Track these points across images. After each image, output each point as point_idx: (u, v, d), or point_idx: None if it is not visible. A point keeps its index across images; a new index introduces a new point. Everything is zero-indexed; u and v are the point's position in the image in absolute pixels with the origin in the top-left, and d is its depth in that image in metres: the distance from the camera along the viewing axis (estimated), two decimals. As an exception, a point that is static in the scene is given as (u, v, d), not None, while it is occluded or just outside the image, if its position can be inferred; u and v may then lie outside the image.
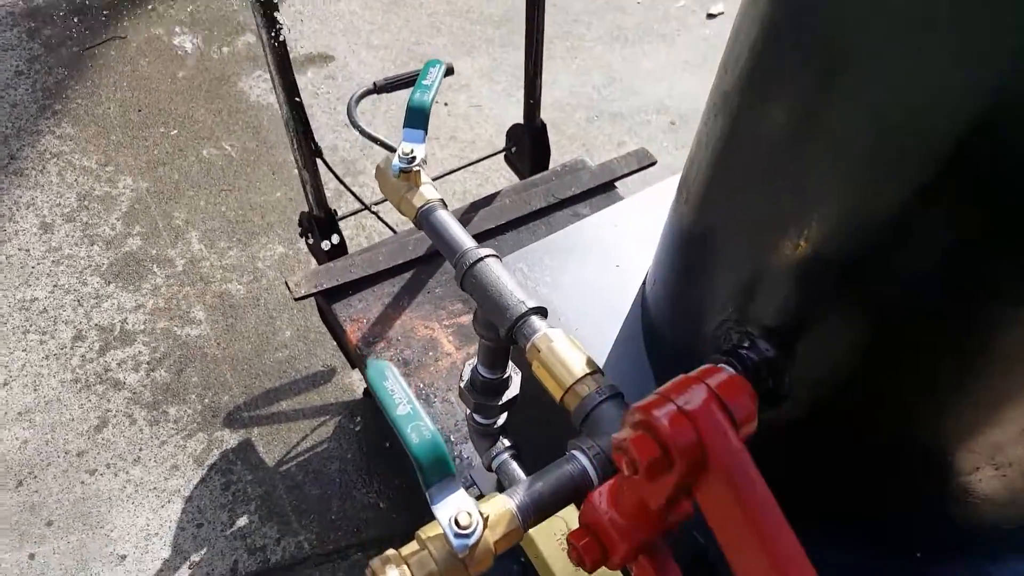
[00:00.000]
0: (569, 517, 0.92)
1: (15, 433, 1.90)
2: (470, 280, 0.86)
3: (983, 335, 0.65)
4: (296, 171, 2.50)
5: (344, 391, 2.03)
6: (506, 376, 0.99)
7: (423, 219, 0.93)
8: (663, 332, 1.04)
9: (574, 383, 0.76)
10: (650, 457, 0.53)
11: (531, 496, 0.70)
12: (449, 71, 2.08)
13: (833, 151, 0.66)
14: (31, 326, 2.10)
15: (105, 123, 2.63)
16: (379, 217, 1.92)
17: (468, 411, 1.06)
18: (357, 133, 2.41)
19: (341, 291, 1.72)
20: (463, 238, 0.90)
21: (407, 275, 1.77)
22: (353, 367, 1.88)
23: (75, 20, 2.97)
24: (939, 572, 0.88)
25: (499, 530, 0.67)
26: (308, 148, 1.70)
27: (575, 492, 0.71)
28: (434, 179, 1.92)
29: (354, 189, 1.84)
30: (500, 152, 2.10)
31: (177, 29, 2.96)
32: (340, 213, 1.81)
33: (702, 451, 0.54)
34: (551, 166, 2.01)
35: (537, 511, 0.70)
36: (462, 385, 1.01)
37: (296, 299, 1.67)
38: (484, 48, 2.95)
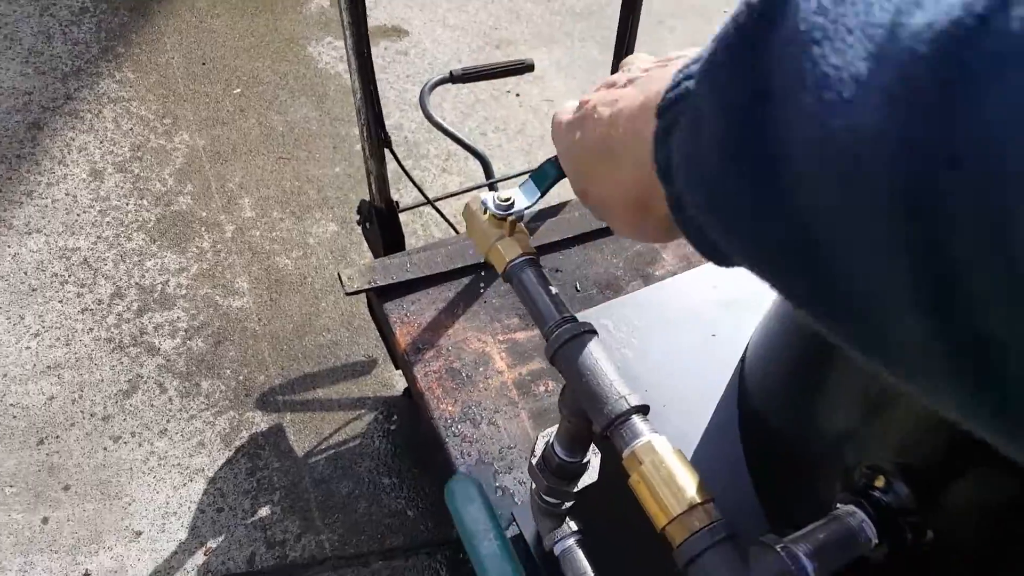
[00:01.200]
0: None
1: (42, 387, 1.80)
2: (562, 359, 0.70)
3: None
4: (358, 146, 2.37)
5: (383, 386, 1.90)
6: (585, 460, 0.84)
7: (512, 275, 0.77)
8: (765, 429, 0.89)
9: (681, 514, 0.61)
10: None
11: (812, 549, 0.56)
12: (529, 67, 1.90)
13: None
14: (70, 277, 1.99)
15: (167, 73, 2.50)
16: (441, 213, 1.77)
17: (533, 487, 0.91)
18: (420, 115, 2.19)
19: (395, 290, 1.58)
20: (557, 306, 0.73)
21: (464, 280, 1.62)
22: (397, 367, 1.75)
23: (149, -38, 2.83)
24: None
25: None
26: (378, 137, 1.55)
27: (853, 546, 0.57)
28: (500, 180, 1.77)
29: (415, 173, 1.70)
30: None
31: (251, -17, 2.81)
32: (401, 204, 1.67)
33: None
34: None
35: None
36: (533, 462, 0.86)
37: (347, 294, 1.53)
38: (563, 40, 2.77)
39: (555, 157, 0.83)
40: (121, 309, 1.95)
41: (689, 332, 1.04)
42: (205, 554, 1.62)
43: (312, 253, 2.11)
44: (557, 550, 0.84)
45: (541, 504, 0.89)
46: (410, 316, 1.56)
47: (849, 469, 0.69)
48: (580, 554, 0.83)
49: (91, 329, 1.91)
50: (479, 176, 1.71)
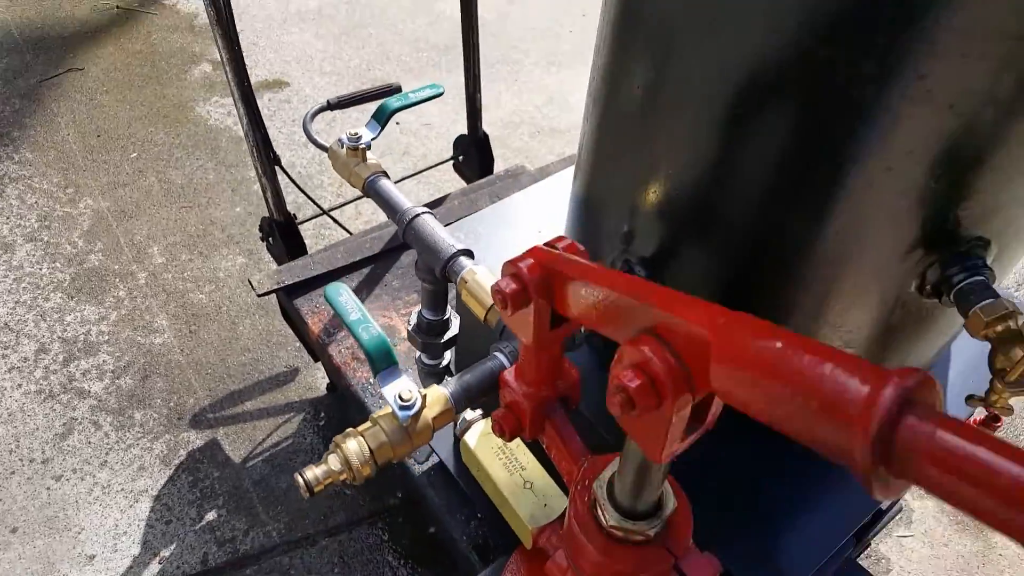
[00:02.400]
0: None
1: (-21, 444, 1.85)
2: (411, 232, 0.93)
3: (803, 250, 0.74)
4: (255, 187, 2.52)
5: (308, 389, 2.03)
6: (446, 318, 1.06)
7: (370, 187, 1.00)
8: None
9: (493, 305, 0.84)
10: (513, 291, 0.63)
11: (461, 385, 0.78)
12: (397, 89, 2.14)
13: (670, 119, 0.77)
14: (-7, 341, 2.05)
15: (64, 148, 2.60)
16: (335, 220, 1.95)
17: (417, 354, 1.12)
18: (313, 150, 2.41)
19: (302, 287, 1.73)
20: (403, 200, 0.97)
21: (364, 271, 1.80)
22: (315, 360, 1.89)
23: (32, 53, 2.95)
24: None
25: (436, 409, 0.76)
26: (267, 156, 1.72)
27: (494, 380, 0.78)
28: (398, 181, 1.97)
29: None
30: (448, 161, 2.16)
31: (133, 61, 2.96)
32: (299, 219, 1.84)
33: (548, 282, 0.63)
34: (495, 172, 2.07)
35: (466, 396, 0.78)
36: (409, 328, 1.07)
37: (259, 295, 1.68)
38: (431, 72, 3.02)
39: (389, 97, 1.09)
40: (47, 362, 2.02)
41: (522, 232, 1.28)
42: (160, 563, 1.70)
43: (224, 285, 2.24)
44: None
45: (424, 366, 1.09)
46: (319, 307, 1.72)
47: (612, 266, 0.92)
48: None
49: (20, 385, 1.97)
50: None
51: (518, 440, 0.98)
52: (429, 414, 0.77)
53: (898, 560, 1.87)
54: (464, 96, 1.95)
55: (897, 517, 1.95)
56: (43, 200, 2.42)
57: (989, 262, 0.72)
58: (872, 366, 0.37)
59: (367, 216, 2.46)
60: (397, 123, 2.79)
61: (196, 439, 1.91)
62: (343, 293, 0.80)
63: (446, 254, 0.91)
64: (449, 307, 1.07)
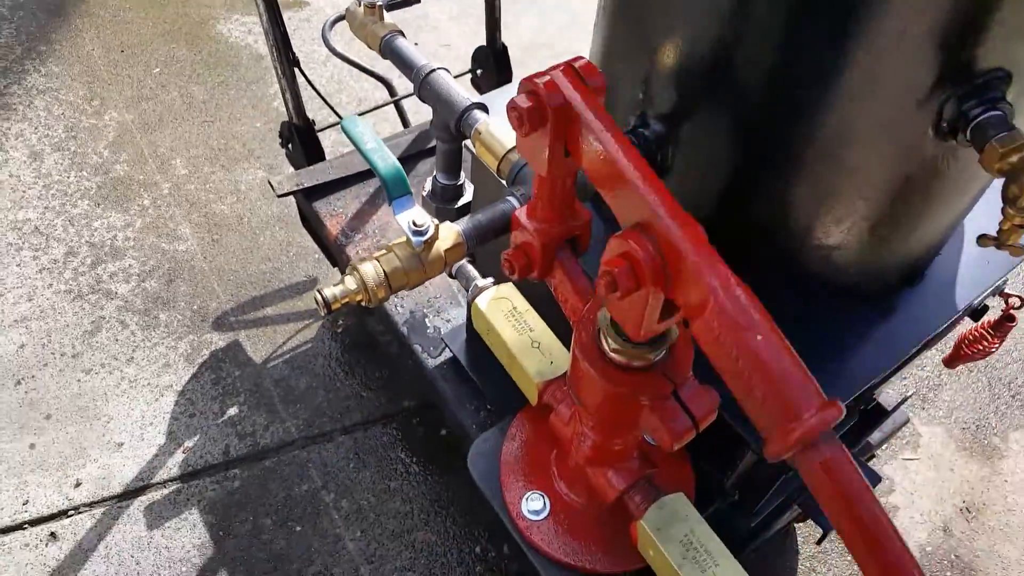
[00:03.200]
0: (513, 296, 1.01)
1: (11, 338, 1.93)
2: (426, 88, 0.95)
3: (819, 91, 0.74)
4: (276, 103, 2.53)
5: (325, 299, 2.08)
6: (460, 183, 1.08)
7: (386, 47, 1.01)
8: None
9: (506, 152, 0.85)
10: (529, 108, 0.63)
11: (473, 223, 0.80)
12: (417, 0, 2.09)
13: None
14: (24, 244, 2.11)
15: (89, 62, 2.63)
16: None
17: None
18: (333, 67, 2.41)
19: (320, 190, 1.76)
20: (419, 57, 0.99)
21: (382, 178, 1.82)
22: (334, 265, 1.93)
23: (56, -32, 2.95)
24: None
25: (448, 242, 0.80)
26: (287, 58, 1.73)
27: (506, 221, 0.80)
28: (404, 97, 1.97)
29: (331, 117, 1.88)
30: (466, 73, 2.15)
31: (157, -23, 2.95)
32: (318, 124, 1.85)
33: (564, 99, 0.63)
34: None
35: (478, 235, 0.81)
36: (424, 194, 1.09)
37: (278, 195, 1.71)
38: (453, -6, 2.99)
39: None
40: (76, 264, 2.09)
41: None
42: (184, 452, 1.78)
43: (245, 197, 2.28)
44: (454, 270, 1.06)
45: None
46: (337, 210, 1.75)
47: (627, 119, 0.92)
48: (470, 267, 1.06)
49: (50, 285, 2.04)
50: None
51: (527, 305, 1.01)
52: (442, 246, 0.80)
53: (901, 481, 1.90)
54: (484, 12, 1.93)
55: (904, 441, 1.98)
56: (69, 112, 2.46)
57: (1009, 98, 0.70)
58: (817, 391, 0.50)
59: (385, 132, 2.46)
60: (416, 43, 2.77)
61: (218, 340, 1.97)
62: (359, 124, 0.83)
63: (460, 107, 0.93)
64: (463, 174, 1.09)
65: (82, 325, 1.96)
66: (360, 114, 2.04)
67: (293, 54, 1.71)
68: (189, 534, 1.65)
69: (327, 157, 1.86)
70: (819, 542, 1.57)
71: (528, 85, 0.63)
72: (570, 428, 0.88)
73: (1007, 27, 0.66)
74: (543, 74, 0.64)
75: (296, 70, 1.73)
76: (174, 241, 2.16)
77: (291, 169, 1.96)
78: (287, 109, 1.77)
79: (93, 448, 1.76)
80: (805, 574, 1.71)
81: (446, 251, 0.80)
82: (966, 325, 1.23)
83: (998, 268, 1.00)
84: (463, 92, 0.98)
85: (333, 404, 1.88)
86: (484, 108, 0.95)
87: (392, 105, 2.02)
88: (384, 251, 0.80)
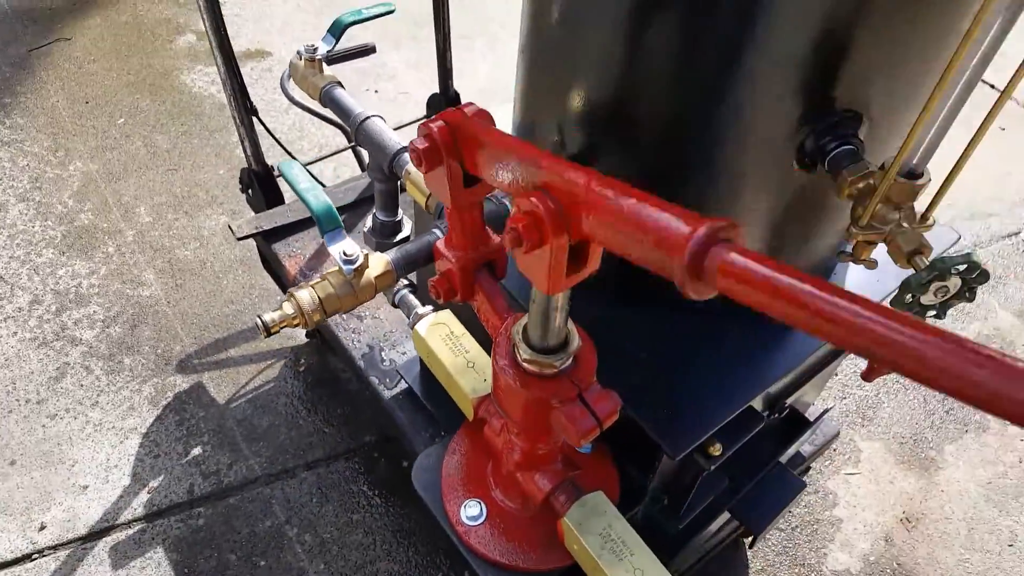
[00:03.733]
0: (450, 322, 1.09)
1: (-24, 386, 1.95)
2: (362, 133, 1.05)
3: (700, 136, 0.85)
4: (238, 150, 2.61)
5: (289, 338, 2.14)
6: (399, 219, 1.17)
7: (325, 96, 1.11)
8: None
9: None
10: (426, 148, 0.73)
11: (402, 253, 0.89)
12: (372, 50, 2.20)
13: (582, 38, 0.88)
14: (-12, 293, 2.15)
15: (54, 114, 2.69)
16: (311, 174, 2.04)
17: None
18: (293, 116, 2.50)
19: (279, 233, 1.84)
20: (355, 106, 1.09)
21: (342, 217, 1.90)
22: (294, 306, 1.99)
23: (21, 23, 3.02)
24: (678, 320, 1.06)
25: (378, 270, 0.88)
26: (244, 106, 1.81)
27: (431, 251, 0.90)
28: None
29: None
30: (423, 119, 2.25)
31: (120, 31, 3.03)
32: (277, 172, 1.93)
33: (453, 137, 0.72)
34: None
35: (406, 263, 0.89)
36: (366, 230, 1.18)
37: (238, 239, 1.78)
38: (409, 43, 3.11)
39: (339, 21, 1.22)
40: (41, 312, 2.12)
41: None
42: (148, 492, 1.81)
43: (208, 242, 2.34)
44: (396, 300, 1.14)
45: None
46: (295, 251, 1.82)
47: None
48: (412, 297, 1.14)
49: (15, 333, 2.07)
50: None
51: (463, 329, 1.09)
52: (372, 273, 0.89)
53: (844, 495, 1.99)
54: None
55: (846, 456, 2.08)
56: (34, 163, 2.51)
57: (861, 135, 0.82)
58: (693, 214, 0.50)
59: (345, 175, 2.55)
60: (376, 91, 2.88)
61: (182, 382, 2.01)
62: (294, 167, 0.92)
63: (392, 150, 1.03)
64: (400, 210, 1.18)
65: (47, 371, 2.00)
66: (320, 159, 2.13)
67: (251, 102, 1.79)
68: (154, 572, 1.68)
69: (286, 201, 1.93)
70: (751, 545, 1.64)
71: (424, 129, 0.73)
72: (501, 438, 0.96)
73: (856, 75, 0.79)
74: (437, 119, 0.73)
75: (254, 118, 1.81)
76: (138, 287, 2.20)
77: (252, 214, 2.03)
78: (246, 156, 1.85)
79: (58, 492, 1.79)
80: (754, 588, 1.78)
81: (376, 278, 0.89)
82: None
83: (885, 283, 1.11)
84: (395, 136, 1.08)
85: (296, 441, 1.92)
86: None
87: (351, 150, 2.11)
88: (319, 279, 0.88)
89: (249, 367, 2.07)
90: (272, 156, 1.92)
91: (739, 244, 0.48)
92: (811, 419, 1.44)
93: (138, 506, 1.78)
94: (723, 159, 0.87)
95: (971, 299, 0.83)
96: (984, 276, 0.81)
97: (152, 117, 2.72)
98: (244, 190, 1.96)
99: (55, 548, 1.70)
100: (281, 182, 1.98)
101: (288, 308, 0.86)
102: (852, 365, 2.22)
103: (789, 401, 1.22)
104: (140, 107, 2.75)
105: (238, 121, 1.79)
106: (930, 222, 0.84)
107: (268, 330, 0.85)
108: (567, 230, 0.60)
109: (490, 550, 1.00)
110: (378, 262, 0.91)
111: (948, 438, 2.11)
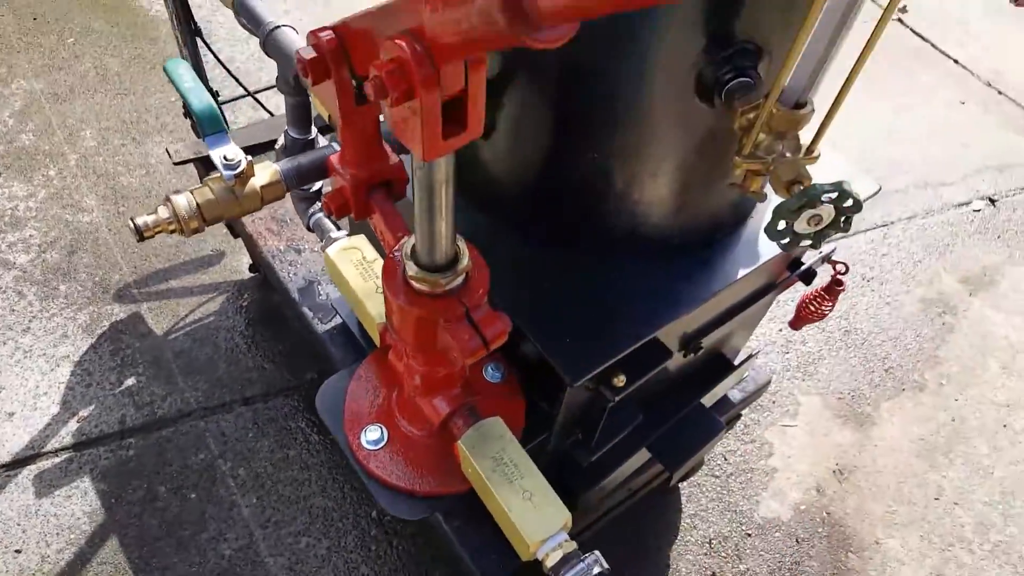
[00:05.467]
0: (363, 247, 1.00)
1: (-99, 307, 1.81)
2: (270, 43, 0.93)
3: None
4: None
5: (233, 272, 2.02)
6: (311, 137, 1.06)
7: (238, 4, 0.98)
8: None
9: None
10: (313, 58, 0.64)
11: (294, 164, 0.79)
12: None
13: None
14: (-82, 212, 1.99)
15: (-2, 31, 2.48)
16: (259, 102, 1.90)
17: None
18: (252, 48, 2.31)
19: (219, 161, 1.70)
20: (266, 14, 0.97)
21: (284, 151, 1.77)
22: (235, 236, 1.87)
23: (-33, -65, 2.77)
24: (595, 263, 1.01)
25: (265, 179, 0.78)
26: (188, 27, 1.66)
27: (324, 165, 0.80)
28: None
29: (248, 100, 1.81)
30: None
31: (74, -52, 2.80)
32: (220, 95, 1.79)
33: (343, 47, 0.63)
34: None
35: (297, 175, 0.80)
36: (277, 148, 1.07)
37: (175, 163, 1.64)
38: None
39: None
40: (-27, 234, 1.97)
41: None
42: (78, 421, 1.70)
43: (154, 170, 2.19)
44: (311, 223, 1.04)
45: (298, 194, 1.09)
46: (234, 181, 1.69)
47: None
48: (327, 221, 1.04)
49: (-56, 254, 1.93)
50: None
51: (376, 254, 1.00)
52: (257, 182, 0.80)
53: (780, 446, 1.95)
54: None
55: (784, 409, 2.03)
56: (-26, 79, 2.32)
57: (761, 70, 0.76)
58: None
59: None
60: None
61: (119, 312, 1.89)
62: (180, 66, 0.81)
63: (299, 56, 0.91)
64: (314, 127, 1.07)
65: (-24, 295, 1.86)
66: (266, 89, 1.97)
67: (195, 23, 1.64)
68: (80, 501, 1.58)
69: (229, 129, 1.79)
70: (669, 483, 1.60)
71: (312, 38, 0.62)
72: (402, 363, 0.88)
73: (752, 7, 0.73)
74: (326, 29, 0.63)
75: (198, 39, 1.66)
76: (78, 212, 2.06)
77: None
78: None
79: (-18, 418, 1.67)
80: (687, 530, 1.74)
81: (262, 187, 0.79)
82: (803, 291, 1.28)
83: None
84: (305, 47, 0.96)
85: (234, 376, 1.82)
86: None
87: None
88: (200, 186, 0.78)
89: (190, 299, 1.95)
90: (225, 87, 1.77)
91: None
92: (730, 359, 1.38)
93: (66, 435, 1.67)
94: (629, 94, 0.80)
95: (846, 229, 0.78)
96: (857, 206, 0.76)
97: (104, 38, 2.52)
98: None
99: (-23, 474, 1.60)
100: (228, 108, 1.84)
101: (163, 212, 0.77)
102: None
103: (709, 342, 1.16)
104: (93, 27, 2.55)
105: (180, 41, 1.64)
106: (816, 154, 0.79)
107: (141, 234, 0.75)
108: (437, 80, 0.50)
109: (388, 474, 0.94)
110: (265, 171, 0.81)
111: (885, 396, 2.07)
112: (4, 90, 2.30)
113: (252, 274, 1.99)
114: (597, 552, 0.86)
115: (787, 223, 0.77)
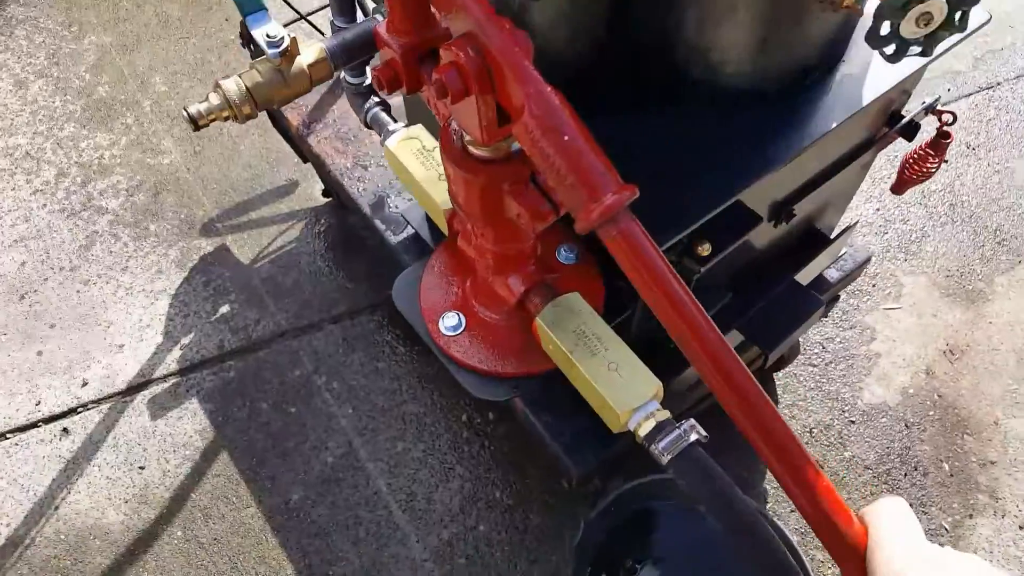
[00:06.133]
0: (422, 136, 0.95)
1: (13, 257, 1.92)
2: None
3: None
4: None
5: (308, 199, 2.02)
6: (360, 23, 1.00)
7: None
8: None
9: None
10: None
11: (339, 40, 0.74)
12: None
13: None
14: (17, 168, 2.08)
15: (65, -10, 2.52)
16: (313, 26, 1.85)
17: (342, 75, 1.07)
18: None
19: (280, 82, 1.68)
20: None
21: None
22: (305, 161, 1.87)
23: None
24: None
25: (311, 57, 0.74)
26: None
27: (371, 39, 0.75)
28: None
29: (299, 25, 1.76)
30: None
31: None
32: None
33: None
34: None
35: (344, 52, 0.75)
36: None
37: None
38: None
39: None
40: (67, 184, 2.05)
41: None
42: (180, 349, 1.77)
43: (225, 107, 2.20)
44: (369, 118, 0.99)
45: (349, 87, 1.05)
46: (297, 103, 1.67)
47: None
48: (384, 115, 0.99)
49: (44, 205, 2.01)
50: None
51: (435, 143, 0.95)
52: (304, 61, 0.75)
53: (883, 329, 1.82)
54: None
55: (886, 292, 1.89)
56: (50, 39, 2.38)
57: None
58: (615, 179, 0.55)
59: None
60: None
61: (207, 245, 1.94)
62: None
63: None
64: (360, 15, 1.02)
65: (77, 240, 1.94)
66: (320, 9, 1.92)
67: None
68: (190, 421, 1.66)
69: (286, 50, 1.76)
70: (765, 367, 1.51)
71: None
72: (473, 245, 0.83)
73: None
74: None
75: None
76: (158, 155, 2.10)
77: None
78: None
79: (96, 351, 1.77)
80: (785, 420, 1.66)
81: (309, 66, 0.75)
82: (906, 149, 1.14)
83: (903, 68, 0.92)
84: None
85: (320, 297, 1.85)
86: None
87: None
88: (248, 68, 0.74)
89: (270, 228, 1.97)
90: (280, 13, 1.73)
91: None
92: (826, 232, 1.26)
93: (171, 362, 1.75)
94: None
95: (961, 28, 0.65)
96: None
97: (162, -14, 2.53)
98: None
99: (98, 402, 1.69)
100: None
101: (215, 99, 0.74)
102: (896, 201, 1.98)
103: (802, 211, 1.05)
104: (149, -23, 2.55)
105: (225, -39, 1.60)
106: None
107: (196, 123, 0.73)
108: (492, 89, 0.54)
109: (468, 357, 0.91)
110: (311, 50, 0.76)
111: (999, 269, 1.89)
112: (78, 47, 2.35)
113: (326, 199, 1.99)
114: (692, 419, 0.81)
115: (892, 25, 0.66)
